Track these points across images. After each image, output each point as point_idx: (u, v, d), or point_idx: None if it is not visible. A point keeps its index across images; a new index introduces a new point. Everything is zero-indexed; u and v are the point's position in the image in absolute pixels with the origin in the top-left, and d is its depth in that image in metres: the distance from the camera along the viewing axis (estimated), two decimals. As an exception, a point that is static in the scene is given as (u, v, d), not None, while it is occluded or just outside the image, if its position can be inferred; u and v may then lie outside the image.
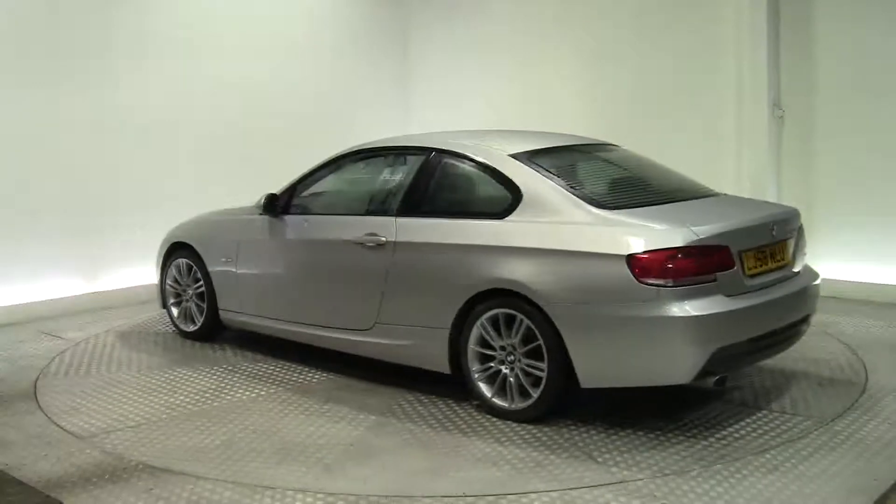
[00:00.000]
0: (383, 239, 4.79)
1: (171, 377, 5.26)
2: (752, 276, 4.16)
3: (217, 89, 8.58)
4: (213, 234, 6.10)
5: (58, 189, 7.38)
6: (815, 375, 4.98)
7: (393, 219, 4.83)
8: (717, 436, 4.02)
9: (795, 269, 4.54)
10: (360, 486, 3.55)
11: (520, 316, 4.18)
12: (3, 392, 5.01)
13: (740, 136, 7.96)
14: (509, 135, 5.62)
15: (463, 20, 10.19)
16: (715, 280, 3.93)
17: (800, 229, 4.69)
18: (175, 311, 6.29)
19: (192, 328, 6.15)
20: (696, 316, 3.83)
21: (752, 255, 4.18)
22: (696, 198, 4.74)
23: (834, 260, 7.39)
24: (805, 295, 4.51)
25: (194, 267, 6.08)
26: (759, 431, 4.06)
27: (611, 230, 4.05)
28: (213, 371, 5.37)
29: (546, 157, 4.70)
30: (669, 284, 3.84)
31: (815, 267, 4.92)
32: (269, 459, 3.87)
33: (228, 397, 4.81)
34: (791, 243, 4.52)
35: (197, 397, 4.84)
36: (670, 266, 3.84)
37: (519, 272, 4.20)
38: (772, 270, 4.31)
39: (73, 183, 7.50)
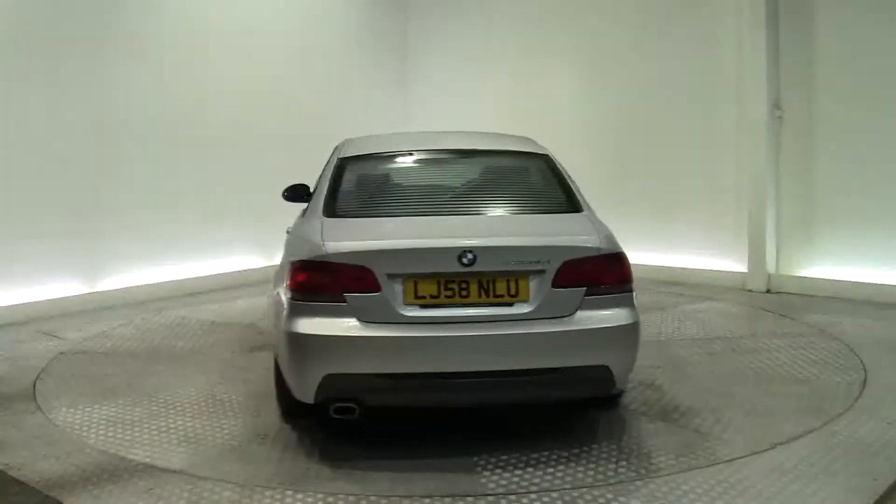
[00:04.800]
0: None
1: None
2: (426, 306, 3.65)
3: (217, 90, 8.60)
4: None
5: (58, 189, 7.39)
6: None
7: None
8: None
9: (533, 309, 3.68)
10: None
11: None
12: (2, 392, 5.01)
13: (740, 136, 7.96)
14: (411, 137, 5.72)
15: (463, 21, 10.21)
16: (344, 301, 3.63)
17: (587, 261, 3.77)
18: None
19: None
20: (300, 334, 3.64)
21: (430, 283, 3.65)
22: (520, 214, 4.34)
23: (834, 260, 7.41)
24: (545, 340, 3.67)
25: None
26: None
27: (306, 238, 3.96)
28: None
29: (367, 162, 4.67)
30: (297, 298, 3.71)
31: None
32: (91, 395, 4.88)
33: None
34: (536, 278, 3.69)
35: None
36: (296, 280, 3.73)
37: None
38: (470, 304, 3.67)
39: (74, 183, 7.51)
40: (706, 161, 8.28)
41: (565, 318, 3.71)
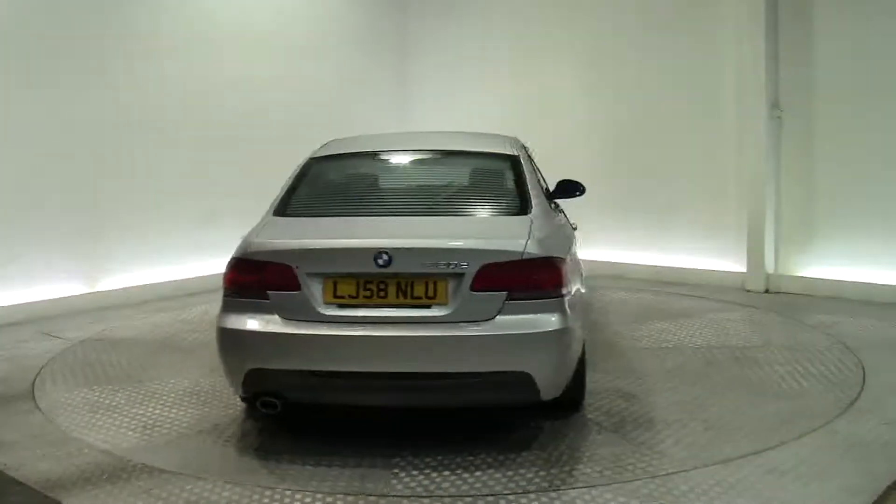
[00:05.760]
0: None
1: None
2: (344, 305, 3.69)
3: (217, 89, 8.60)
4: None
5: (58, 190, 7.40)
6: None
7: None
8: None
9: (450, 312, 3.62)
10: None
11: None
12: (3, 392, 5.02)
13: (739, 136, 7.97)
14: (395, 137, 5.76)
15: (462, 21, 10.21)
16: (267, 299, 3.74)
17: (509, 265, 3.65)
18: None
19: None
20: (227, 329, 3.81)
21: (349, 283, 3.68)
22: (453, 216, 4.20)
23: (833, 260, 7.41)
24: (460, 344, 3.61)
25: None
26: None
27: (244, 237, 4.05)
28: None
29: (330, 162, 4.77)
30: (227, 294, 3.89)
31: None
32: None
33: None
34: (454, 281, 3.62)
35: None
36: (227, 276, 3.91)
37: None
38: (388, 306, 3.66)
39: (74, 183, 7.52)
40: (706, 161, 8.28)
41: (484, 323, 3.62)
